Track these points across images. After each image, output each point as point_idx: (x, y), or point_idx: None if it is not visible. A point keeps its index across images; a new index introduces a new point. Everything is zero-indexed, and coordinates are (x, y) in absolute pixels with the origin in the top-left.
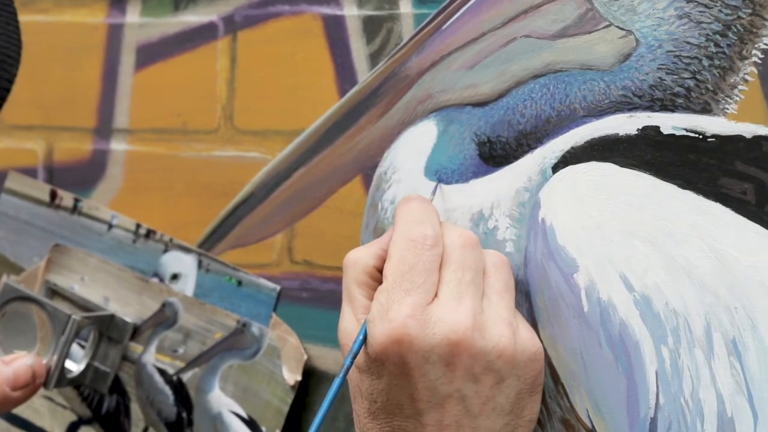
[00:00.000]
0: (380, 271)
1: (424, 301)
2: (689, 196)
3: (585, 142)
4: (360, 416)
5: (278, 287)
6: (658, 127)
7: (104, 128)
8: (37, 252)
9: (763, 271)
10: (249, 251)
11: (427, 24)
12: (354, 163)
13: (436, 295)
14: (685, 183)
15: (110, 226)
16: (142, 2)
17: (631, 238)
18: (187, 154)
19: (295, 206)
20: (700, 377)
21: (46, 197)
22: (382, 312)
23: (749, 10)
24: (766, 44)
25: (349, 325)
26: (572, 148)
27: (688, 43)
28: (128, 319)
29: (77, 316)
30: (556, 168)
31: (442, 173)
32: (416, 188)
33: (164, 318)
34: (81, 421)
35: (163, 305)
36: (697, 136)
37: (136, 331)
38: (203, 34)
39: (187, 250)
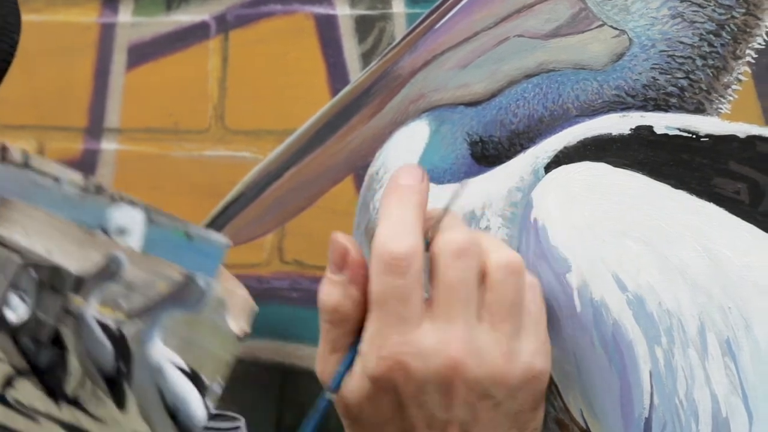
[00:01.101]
0: None
1: (412, 328)
2: (682, 195)
3: (578, 142)
4: None
5: (228, 241)
6: (651, 127)
7: (95, 128)
8: None
9: (757, 270)
10: (239, 251)
11: (420, 23)
12: (345, 163)
13: (428, 309)
14: (678, 183)
15: (57, 180)
16: (134, 2)
17: (624, 238)
18: (178, 153)
19: (286, 206)
20: (694, 377)
21: None
22: (374, 346)
23: (743, 10)
24: (759, 44)
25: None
26: (565, 147)
27: (682, 42)
28: (71, 270)
29: (17, 258)
30: (548, 168)
31: (433, 173)
32: None
33: (107, 271)
34: (18, 373)
35: (107, 258)
36: (690, 135)
37: (79, 284)
38: (195, 33)
39: (134, 203)
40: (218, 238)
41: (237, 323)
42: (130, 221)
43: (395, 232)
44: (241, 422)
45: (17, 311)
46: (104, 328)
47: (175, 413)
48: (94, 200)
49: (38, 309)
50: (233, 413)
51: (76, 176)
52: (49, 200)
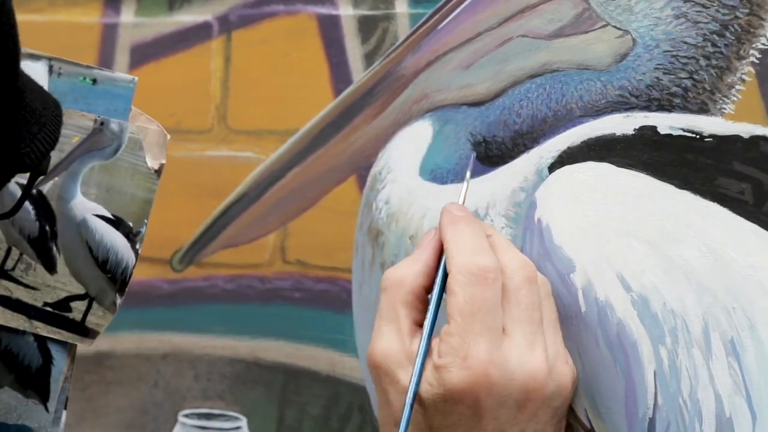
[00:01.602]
0: (427, 290)
1: (498, 343)
2: (687, 196)
3: (581, 142)
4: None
5: (135, 78)
6: (655, 127)
7: None
8: None
9: (761, 271)
10: (241, 251)
11: (423, 24)
12: (348, 163)
13: (503, 331)
14: (682, 183)
15: None
16: (136, 2)
17: (628, 238)
18: (181, 153)
19: (288, 206)
20: (698, 377)
21: None
22: (458, 357)
23: (747, 10)
24: (763, 44)
25: (392, 346)
26: (569, 148)
27: (686, 42)
28: None
29: None
30: (552, 168)
31: (437, 173)
32: (411, 189)
33: None
34: None
35: None
36: (694, 136)
37: None
38: (198, 33)
39: (36, 57)
40: (124, 77)
41: (154, 159)
42: (33, 75)
43: (476, 248)
44: (243, 422)
45: None
46: (24, 190)
47: (104, 264)
48: None
49: None
50: (235, 413)
51: None
52: None
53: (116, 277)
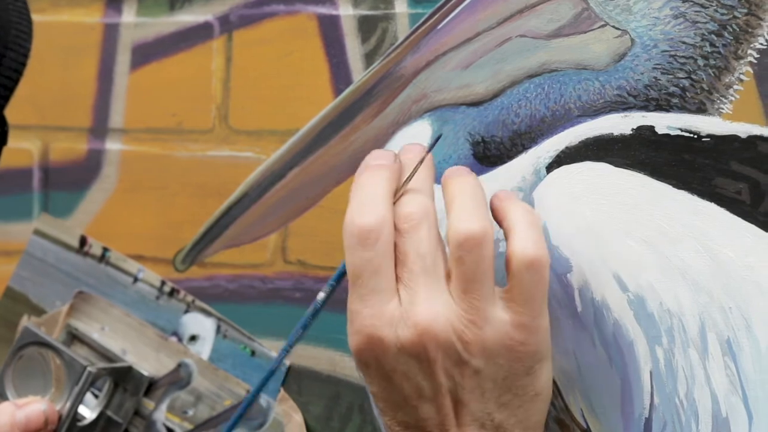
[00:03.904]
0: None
1: (382, 303)
2: (684, 196)
3: (579, 142)
4: (374, 396)
5: (288, 363)
6: (652, 127)
7: (99, 128)
8: (60, 296)
9: (758, 271)
10: (243, 251)
11: (422, 24)
12: (349, 163)
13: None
14: (679, 183)
15: (136, 279)
16: (138, 2)
17: (625, 238)
18: (182, 153)
19: (289, 206)
20: (694, 377)
21: (76, 243)
22: (350, 323)
23: (745, 10)
24: (761, 44)
25: None
26: (567, 147)
27: (684, 42)
28: (145, 373)
29: (93, 368)
30: (550, 168)
31: (436, 173)
32: None
33: (178, 378)
34: None
35: (179, 365)
36: (692, 135)
37: (150, 387)
38: (199, 33)
39: (207, 313)
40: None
41: None
42: (201, 330)
43: (362, 206)
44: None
45: (91, 409)
46: None
47: None
48: (169, 304)
49: (110, 408)
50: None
51: (152, 276)
52: (127, 298)
53: None
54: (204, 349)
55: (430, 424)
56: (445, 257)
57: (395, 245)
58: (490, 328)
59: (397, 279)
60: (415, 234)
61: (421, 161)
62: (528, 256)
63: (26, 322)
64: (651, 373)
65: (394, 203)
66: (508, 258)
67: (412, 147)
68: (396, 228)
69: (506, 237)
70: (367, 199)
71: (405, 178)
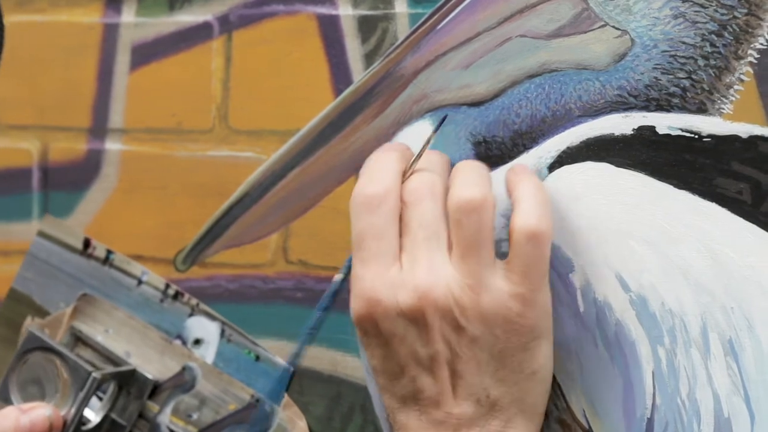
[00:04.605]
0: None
1: (384, 267)
2: (685, 196)
3: (580, 142)
4: (373, 371)
5: (292, 368)
6: (653, 127)
7: (99, 128)
8: (64, 298)
9: (760, 270)
10: (244, 251)
11: (423, 24)
12: (349, 163)
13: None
14: (680, 183)
15: (140, 281)
16: (137, 2)
17: (626, 238)
18: (182, 153)
19: (290, 206)
20: (696, 377)
21: (79, 245)
22: (353, 287)
23: (745, 10)
24: (761, 44)
25: None
26: (568, 148)
27: (684, 42)
28: (149, 376)
29: (98, 374)
30: (551, 168)
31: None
32: None
33: (183, 381)
34: None
35: (183, 369)
36: (692, 136)
37: (154, 390)
38: (198, 33)
39: (212, 317)
40: (282, 363)
41: None
42: (206, 334)
43: (370, 178)
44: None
45: (96, 412)
46: None
47: None
48: (173, 307)
49: (114, 411)
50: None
51: (156, 279)
52: (131, 301)
53: None
54: (208, 352)
55: (428, 396)
56: (447, 230)
57: (401, 217)
58: (487, 295)
59: (401, 249)
60: (420, 205)
61: (428, 140)
62: (530, 227)
63: (30, 323)
64: (653, 373)
65: (403, 181)
66: (511, 229)
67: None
68: (402, 201)
69: (513, 209)
70: (374, 172)
71: (414, 157)
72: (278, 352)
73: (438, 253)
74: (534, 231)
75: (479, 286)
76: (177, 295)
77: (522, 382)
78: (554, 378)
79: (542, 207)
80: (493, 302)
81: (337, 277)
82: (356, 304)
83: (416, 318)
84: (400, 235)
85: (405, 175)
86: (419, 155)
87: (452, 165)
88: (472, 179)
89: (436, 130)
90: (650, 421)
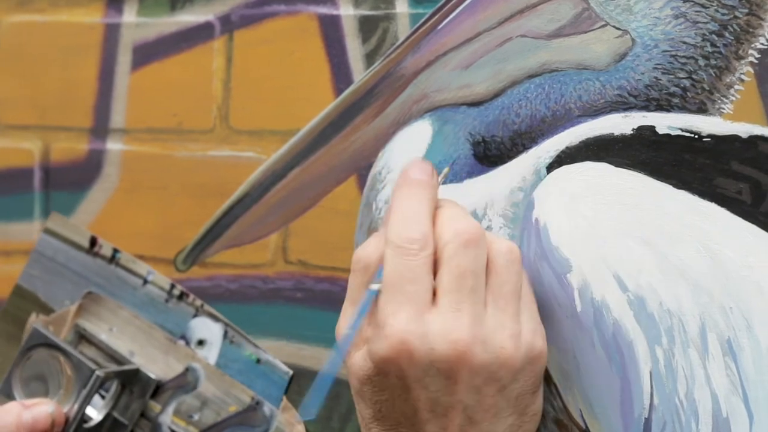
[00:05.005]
0: None
1: (420, 312)
2: (684, 196)
3: (580, 142)
4: (365, 419)
5: (291, 372)
6: (653, 127)
7: (100, 128)
8: (69, 295)
9: (759, 271)
10: (244, 251)
11: (423, 24)
12: (349, 163)
13: (435, 300)
14: (680, 183)
15: (145, 281)
16: (138, 2)
17: (625, 238)
18: (183, 153)
19: (290, 206)
20: (694, 377)
21: (86, 243)
22: (379, 328)
23: (746, 10)
24: (762, 44)
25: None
26: (567, 147)
27: (685, 42)
28: (152, 375)
29: (101, 372)
30: (550, 168)
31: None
32: None
33: (186, 382)
34: None
35: (186, 369)
36: (692, 135)
37: (157, 390)
38: (200, 33)
39: (215, 318)
40: (282, 367)
41: None
42: (209, 335)
43: (408, 220)
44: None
45: (98, 410)
46: None
47: None
48: (177, 308)
49: (117, 410)
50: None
51: (162, 279)
52: (135, 300)
53: None
54: (211, 354)
55: None
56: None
57: (437, 262)
58: (520, 343)
59: (437, 293)
60: (467, 250)
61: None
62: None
63: (35, 320)
64: (651, 373)
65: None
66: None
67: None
68: (438, 246)
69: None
70: (411, 213)
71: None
72: (278, 351)
73: (479, 304)
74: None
75: (516, 336)
76: (182, 296)
77: (525, 425)
78: (551, 378)
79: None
80: (524, 347)
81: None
82: (385, 345)
83: (449, 371)
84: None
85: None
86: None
87: (453, 165)
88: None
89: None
90: (648, 422)
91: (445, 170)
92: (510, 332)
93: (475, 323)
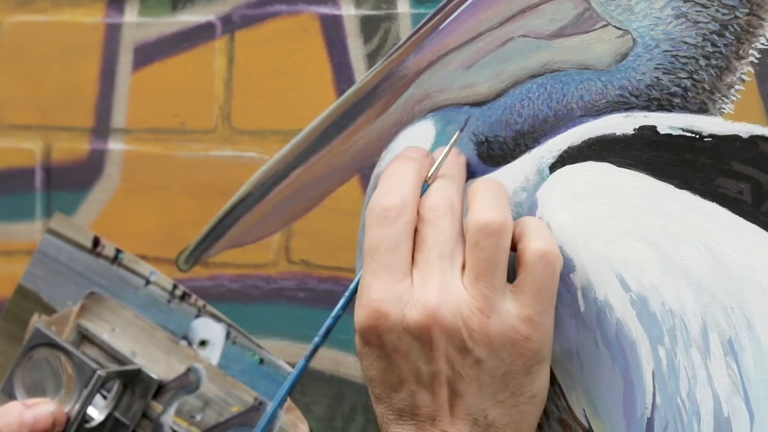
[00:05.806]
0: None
1: (394, 281)
2: (686, 195)
3: (582, 142)
4: (372, 399)
5: (293, 369)
6: (654, 127)
7: (102, 128)
8: (71, 296)
9: (760, 270)
10: (246, 251)
11: (425, 24)
12: (351, 163)
13: (412, 266)
14: (681, 183)
15: (148, 281)
16: (140, 2)
17: (627, 237)
18: (185, 153)
19: (292, 206)
20: (696, 377)
21: (89, 244)
22: (359, 298)
23: (746, 10)
24: (763, 44)
25: None
26: (569, 147)
27: (685, 42)
28: (154, 376)
29: (103, 372)
30: (553, 168)
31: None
32: None
33: (187, 382)
34: None
35: (188, 369)
36: (693, 135)
37: (159, 390)
38: (201, 33)
39: (218, 318)
40: (286, 367)
41: None
42: (212, 335)
43: (389, 189)
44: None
45: (99, 410)
46: None
47: None
48: (180, 308)
49: (118, 410)
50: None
51: (164, 279)
52: (138, 300)
53: None
54: (213, 354)
55: (424, 413)
56: (463, 251)
57: (416, 231)
58: (497, 319)
59: (413, 263)
60: (438, 223)
61: (449, 148)
62: (542, 248)
63: (37, 320)
64: (653, 373)
65: (424, 190)
66: (521, 252)
67: (442, 148)
68: (420, 216)
69: (519, 240)
70: (392, 184)
71: (435, 166)
72: (280, 351)
73: (451, 272)
74: (546, 251)
75: (489, 309)
76: (184, 296)
77: (521, 405)
78: (555, 377)
79: (550, 233)
80: (501, 326)
81: (352, 285)
82: (361, 314)
83: (422, 335)
84: (414, 249)
85: (427, 180)
86: (440, 164)
87: (461, 126)
88: (492, 201)
89: (461, 130)
90: (650, 421)
91: (456, 135)
92: (481, 305)
93: (443, 289)
